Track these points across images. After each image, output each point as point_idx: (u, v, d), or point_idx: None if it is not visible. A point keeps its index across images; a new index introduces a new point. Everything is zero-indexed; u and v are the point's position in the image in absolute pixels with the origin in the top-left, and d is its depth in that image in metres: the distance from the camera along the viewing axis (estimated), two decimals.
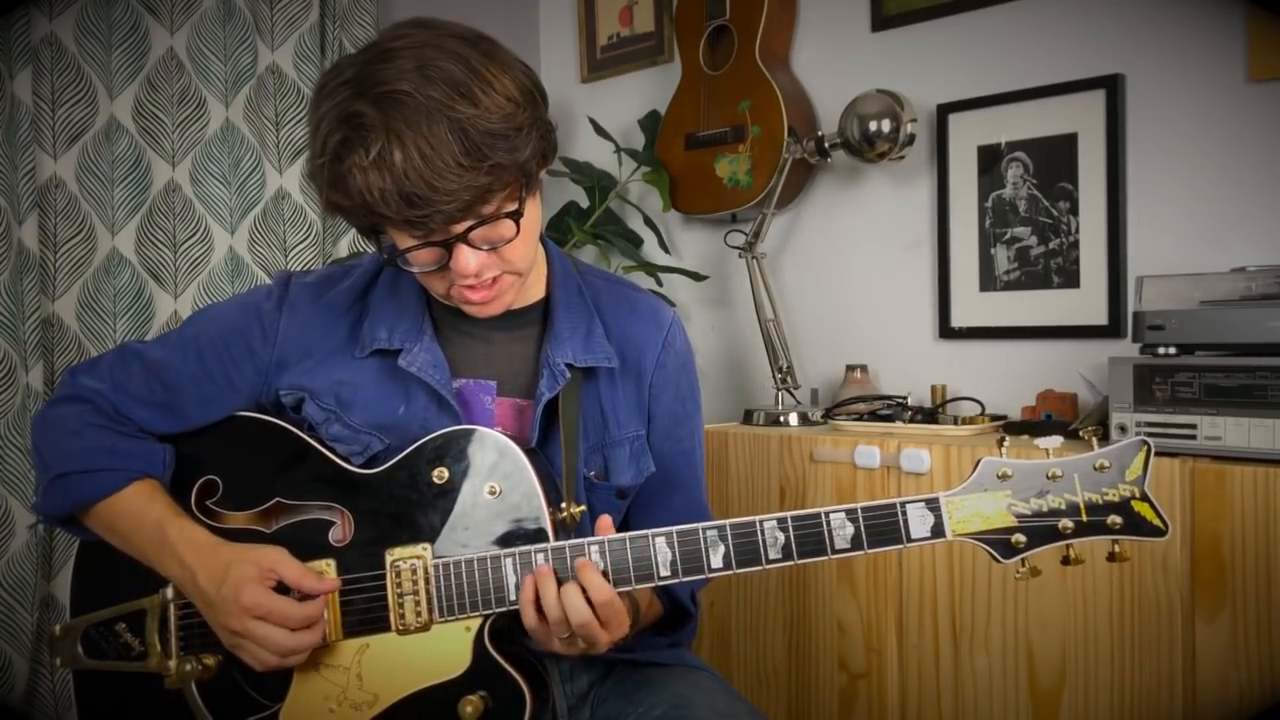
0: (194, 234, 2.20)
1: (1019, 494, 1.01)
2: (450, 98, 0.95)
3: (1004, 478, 1.01)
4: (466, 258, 1.02)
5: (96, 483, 1.13)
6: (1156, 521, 0.99)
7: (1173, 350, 1.47)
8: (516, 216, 1.03)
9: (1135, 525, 1.00)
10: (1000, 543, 1.01)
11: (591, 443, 1.19)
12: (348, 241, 2.33)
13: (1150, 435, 1.46)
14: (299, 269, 1.18)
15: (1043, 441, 1.02)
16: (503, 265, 1.06)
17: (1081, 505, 1.00)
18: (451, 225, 0.99)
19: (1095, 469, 1.00)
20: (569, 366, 1.16)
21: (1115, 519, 1.00)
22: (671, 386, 1.25)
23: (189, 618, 1.12)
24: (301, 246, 2.23)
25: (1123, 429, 1.49)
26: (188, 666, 1.10)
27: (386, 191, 0.95)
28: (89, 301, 2.10)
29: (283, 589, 1.06)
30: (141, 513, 1.12)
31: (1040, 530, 1.01)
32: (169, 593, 1.13)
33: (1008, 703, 1.60)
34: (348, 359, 1.16)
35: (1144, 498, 0.99)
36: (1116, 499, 1.00)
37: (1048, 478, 1.01)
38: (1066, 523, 1.00)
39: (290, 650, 1.05)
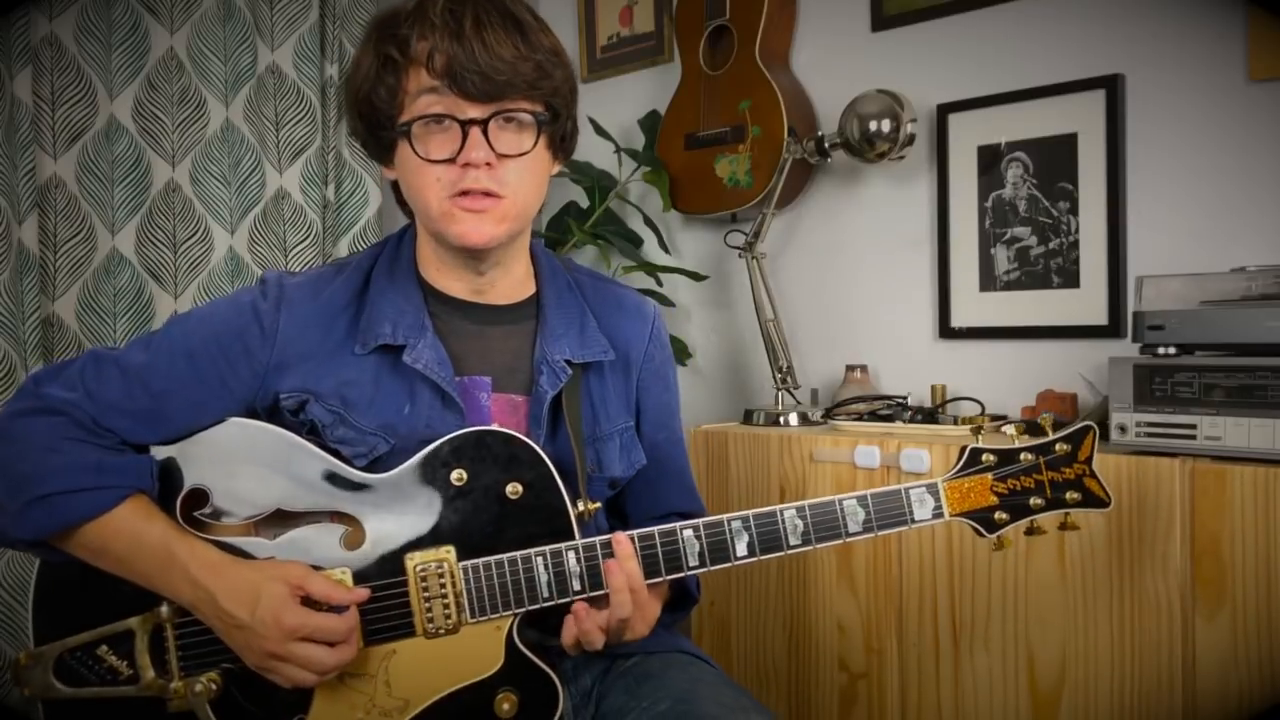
0: (194, 234, 2.20)
1: (999, 476, 1.15)
2: (515, 6, 1.08)
3: (987, 462, 1.15)
4: (479, 145, 1.06)
5: (85, 502, 1.05)
6: (1101, 494, 1.15)
7: (1172, 350, 1.47)
8: (540, 120, 1.10)
9: (1087, 499, 1.15)
10: (985, 520, 1.14)
11: (584, 437, 1.20)
12: (348, 241, 2.34)
13: (1150, 435, 1.47)
14: (285, 270, 1.18)
15: (1008, 428, 1.17)
16: (503, 186, 1.09)
17: (1046, 484, 1.15)
18: (485, 101, 1.06)
19: (1056, 451, 1.15)
20: (568, 363, 1.17)
21: (1073, 494, 1.15)
22: (660, 379, 1.30)
23: (186, 636, 1.08)
24: (301, 246, 2.23)
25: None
26: (198, 687, 1.06)
27: (439, 47, 1.04)
28: (89, 301, 2.10)
29: (309, 603, 1.04)
30: (140, 532, 1.06)
31: (1017, 507, 1.15)
32: (164, 611, 1.07)
33: (1008, 702, 1.60)
34: (348, 356, 1.14)
35: (1092, 474, 1.15)
36: (1073, 476, 1.15)
37: (1020, 460, 1.15)
38: (1037, 499, 1.15)
39: (332, 668, 1.03)
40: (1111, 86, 1.83)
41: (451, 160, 1.06)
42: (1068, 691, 1.54)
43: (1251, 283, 1.49)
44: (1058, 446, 1.15)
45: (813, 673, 1.83)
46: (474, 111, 1.06)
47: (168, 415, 1.11)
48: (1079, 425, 1.15)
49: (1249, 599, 1.38)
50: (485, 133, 1.06)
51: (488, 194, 1.08)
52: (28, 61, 1.99)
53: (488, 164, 1.07)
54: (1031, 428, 1.17)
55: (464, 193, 1.08)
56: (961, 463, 1.14)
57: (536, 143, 1.10)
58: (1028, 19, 1.96)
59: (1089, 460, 1.15)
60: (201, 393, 1.11)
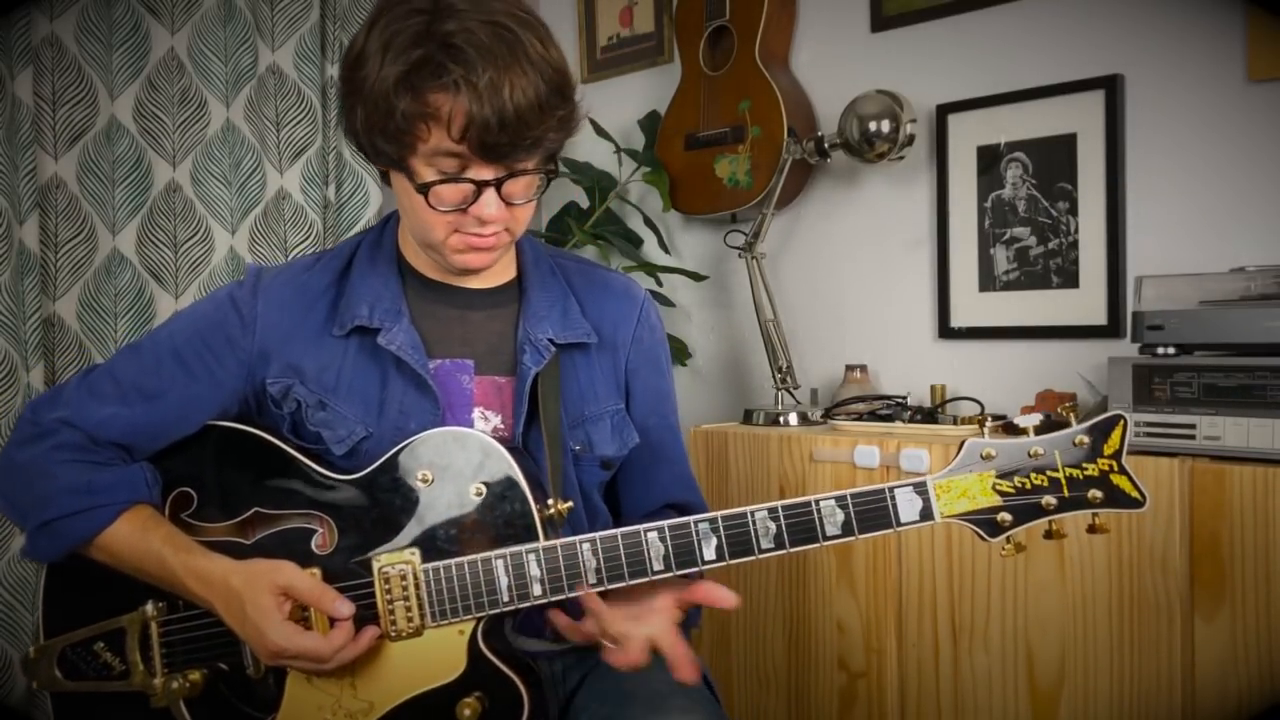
0: (195, 234, 2.20)
1: (1003, 473, 1.02)
2: (532, 41, 1.00)
3: (988, 458, 1.03)
4: (491, 203, 1.04)
5: (81, 524, 1.08)
6: (1134, 493, 1.01)
7: (1172, 350, 1.47)
8: (552, 173, 1.08)
9: (1114, 498, 1.01)
10: (987, 522, 1.02)
11: (572, 418, 1.20)
12: None
13: (1149, 435, 1.47)
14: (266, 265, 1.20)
15: (1023, 420, 1.04)
16: (509, 223, 1.09)
17: (1063, 481, 1.02)
18: (504, 164, 1.02)
19: (1074, 445, 1.02)
20: (551, 342, 1.17)
21: (1095, 493, 1.01)
22: (649, 362, 1.27)
23: (172, 634, 1.11)
24: (302, 247, 2.23)
25: None
26: (174, 684, 1.08)
27: (477, 117, 0.97)
28: (90, 301, 2.10)
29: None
30: (141, 548, 1.08)
31: (1025, 507, 1.02)
32: (149, 609, 1.10)
33: (1007, 702, 1.60)
34: (327, 338, 1.15)
35: (1122, 470, 1.01)
36: (1096, 473, 1.01)
37: (1030, 455, 1.02)
38: (1049, 499, 1.02)
39: (331, 668, 1.04)
40: (1110, 87, 1.83)
41: (462, 210, 1.05)
42: (1067, 691, 1.54)
43: (1250, 283, 1.50)
44: (1076, 439, 1.01)
45: (812, 672, 1.83)
46: (489, 173, 1.03)
47: (164, 417, 1.13)
48: (1106, 416, 1.02)
49: (1248, 599, 1.38)
50: (500, 186, 1.05)
51: (495, 235, 1.09)
52: (29, 62, 1.99)
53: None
54: (1048, 425, 1.04)
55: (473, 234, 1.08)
56: (958, 459, 1.02)
57: (551, 179, 1.10)
58: (1027, 19, 1.96)
59: (1118, 455, 1.00)
60: (194, 389, 1.13)
